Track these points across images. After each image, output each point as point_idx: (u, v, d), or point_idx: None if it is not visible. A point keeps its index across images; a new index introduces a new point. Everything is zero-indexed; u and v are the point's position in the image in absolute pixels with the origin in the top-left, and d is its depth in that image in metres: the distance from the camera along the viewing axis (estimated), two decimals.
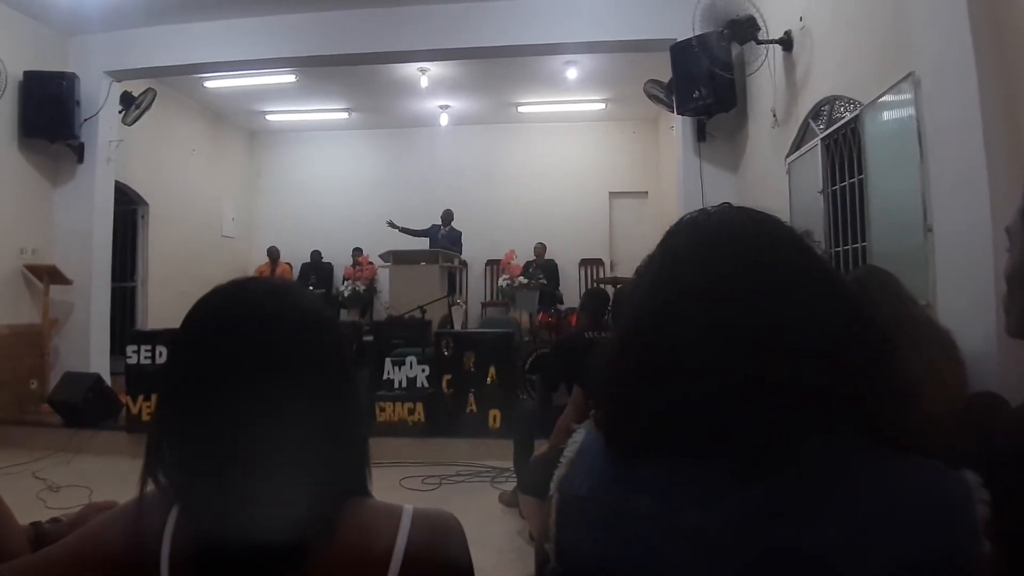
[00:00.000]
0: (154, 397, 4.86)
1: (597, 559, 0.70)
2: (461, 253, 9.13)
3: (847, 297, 0.70)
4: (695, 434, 0.67)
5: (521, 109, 10.03)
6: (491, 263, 10.33)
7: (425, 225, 9.12)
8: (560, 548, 0.74)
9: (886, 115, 3.34)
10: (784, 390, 0.64)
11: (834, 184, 4.05)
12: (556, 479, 0.77)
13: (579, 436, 0.80)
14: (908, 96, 3.06)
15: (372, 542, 0.74)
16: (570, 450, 0.79)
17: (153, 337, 5.54)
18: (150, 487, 0.77)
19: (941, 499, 0.62)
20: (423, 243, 8.94)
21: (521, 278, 8.73)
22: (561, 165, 10.60)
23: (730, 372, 0.66)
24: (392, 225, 8.69)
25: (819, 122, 4.31)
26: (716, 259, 0.71)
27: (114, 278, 7.13)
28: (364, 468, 0.81)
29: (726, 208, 0.77)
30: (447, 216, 9.17)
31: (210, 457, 0.72)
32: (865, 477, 0.63)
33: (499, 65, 7.89)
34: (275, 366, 0.74)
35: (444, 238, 8.90)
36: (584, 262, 10.38)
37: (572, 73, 8.24)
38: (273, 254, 10.05)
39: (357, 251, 10.05)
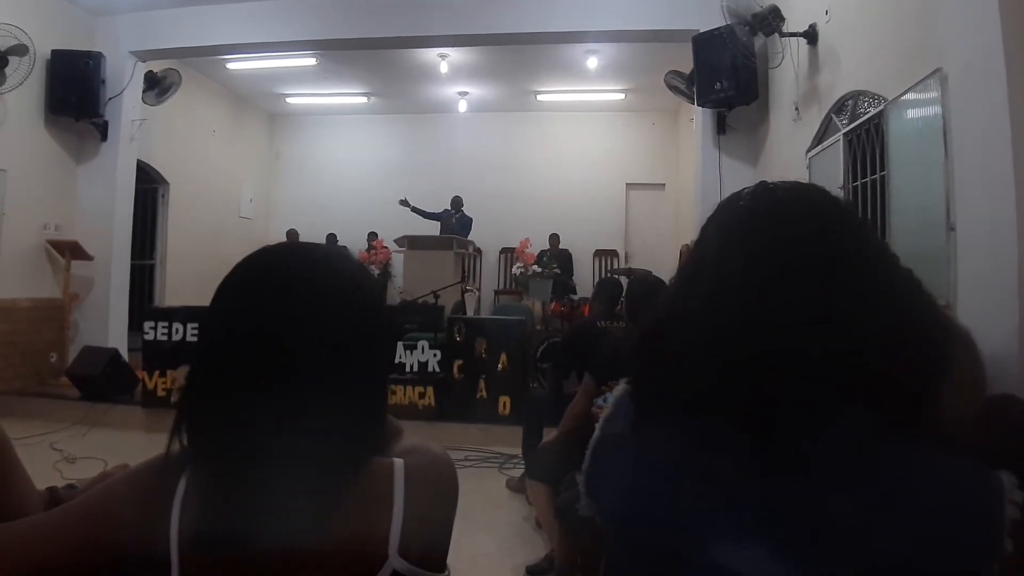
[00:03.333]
0: (169, 373, 4.95)
1: (618, 492, 0.75)
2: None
3: (901, 289, 0.71)
4: (731, 397, 0.68)
5: (540, 97, 9.98)
6: (505, 251, 10.33)
7: (437, 210, 9.14)
8: (589, 479, 0.81)
9: (911, 112, 3.29)
10: (818, 363, 0.65)
11: (855, 180, 4.01)
12: (601, 419, 0.83)
13: (621, 387, 0.84)
14: (934, 93, 3.01)
15: (372, 499, 0.75)
16: (619, 390, 0.84)
17: (170, 314, 5.62)
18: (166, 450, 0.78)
19: (971, 496, 0.63)
20: (434, 227, 8.97)
21: (535, 267, 8.72)
22: (579, 155, 10.56)
23: (768, 340, 0.67)
24: (405, 203, 8.74)
25: (842, 117, 4.26)
26: (765, 234, 0.72)
27: (134, 256, 7.21)
28: (381, 434, 0.82)
29: (790, 185, 0.78)
30: (457, 202, 9.17)
31: (234, 416, 0.73)
32: (892, 457, 0.64)
33: (519, 52, 7.86)
34: (309, 329, 0.76)
35: (457, 223, 8.91)
36: (599, 253, 10.34)
37: (592, 62, 8.18)
38: (292, 237, 10.09)
39: (372, 235, 10.08)
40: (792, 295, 0.67)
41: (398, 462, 0.78)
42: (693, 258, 0.79)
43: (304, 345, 0.75)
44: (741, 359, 0.67)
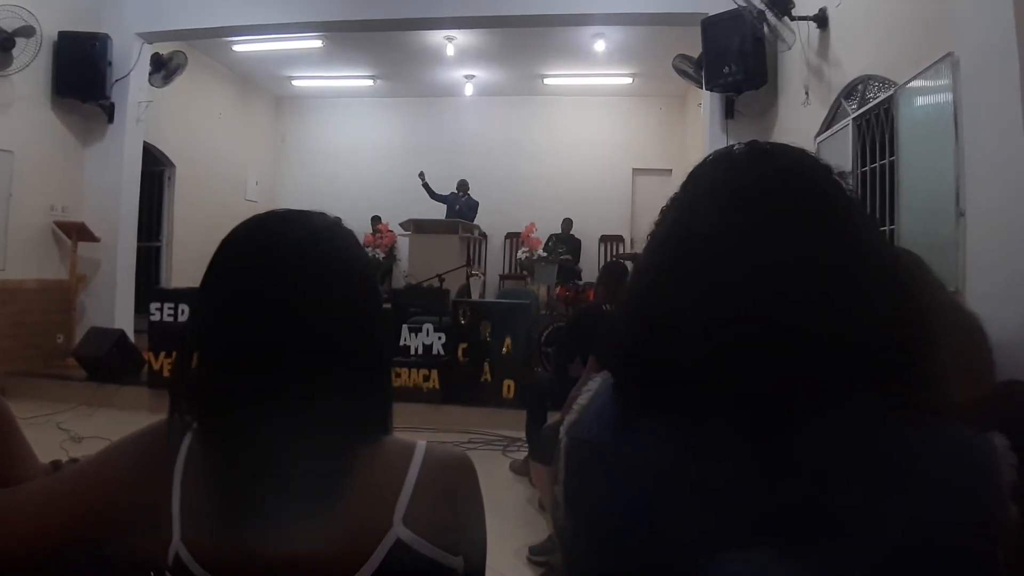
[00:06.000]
0: (175, 354, 5.00)
1: (603, 503, 0.69)
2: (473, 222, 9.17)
3: (874, 254, 0.66)
4: (708, 392, 0.64)
5: (547, 81, 9.91)
6: (511, 235, 10.31)
7: (445, 193, 9.14)
8: (568, 492, 0.73)
9: (922, 97, 3.26)
10: (801, 346, 0.61)
11: (864, 165, 3.98)
12: (566, 424, 0.76)
13: (594, 384, 0.78)
14: (945, 79, 2.98)
15: (384, 474, 0.75)
16: (583, 397, 0.77)
17: (176, 296, 5.63)
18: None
19: (966, 461, 0.60)
20: (438, 209, 8.97)
21: (541, 251, 8.71)
22: (585, 139, 10.50)
23: (740, 325, 0.63)
24: (422, 177, 8.79)
25: (851, 102, 4.22)
26: (730, 213, 0.67)
27: (140, 237, 7.22)
28: (387, 407, 0.82)
29: (753, 149, 0.73)
30: (463, 185, 9.18)
31: (234, 384, 0.73)
32: (887, 437, 0.61)
33: (526, 35, 7.79)
34: (305, 302, 0.75)
35: (463, 205, 8.92)
36: (604, 238, 10.31)
37: (600, 46, 8.12)
38: None
39: (376, 219, 10.08)
40: (798, 272, 0.63)
41: (421, 443, 0.79)
42: (677, 224, 0.72)
43: (304, 317, 0.74)
44: (743, 342, 0.63)
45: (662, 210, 0.76)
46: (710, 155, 0.76)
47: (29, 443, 1.00)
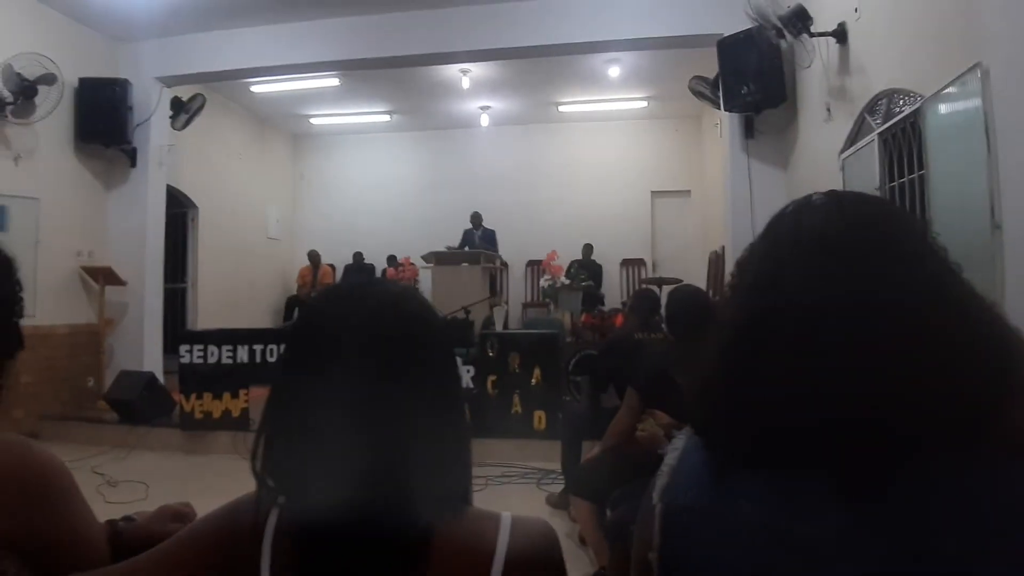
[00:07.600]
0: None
1: (704, 569, 0.68)
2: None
3: (968, 305, 0.66)
4: (803, 446, 0.64)
5: (562, 109, 9.98)
6: (532, 263, 10.31)
7: (457, 236, 9.09)
8: (666, 559, 0.71)
9: (950, 108, 3.22)
10: (895, 405, 0.61)
11: (892, 181, 3.93)
12: (659, 488, 0.74)
13: (679, 443, 0.77)
14: (975, 88, 2.95)
15: (475, 546, 0.73)
16: (671, 458, 0.76)
17: (204, 337, 5.65)
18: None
19: None
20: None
21: (563, 278, 8.68)
22: (602, 164, 10.52)
23: (835, 385, 0.62)
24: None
25: (875, 117, 4.18)
26: (818, 263, 0.68)
27: (166, 279, 7.30)
28: (468, 477, 0.80)
29: (832, 200, 0.73)
30: (476, 218, 9.15)
31: (319, 458, 0.71)
32: (987, 482, 0.60)
33: (540, 65, 7.85)
34: (395, 370, 0.74)
35: (481, 240, 8.90)
36: (626, 262, 10.29)
37: (614, 71, 8.17)
38: (314, 257, 10.16)
39: (392, 259, 10.13)
40: (891, 322, 0.63)
41: (505, 515, 0.78)
42: (760, 276, 0.72)
43: (389, 387, 0.73)
44: (837, 395, 0.62)
45: (739, 262, 0.76)
46: (789, 205, 0.76)
47: (88, 505, 0.98)
